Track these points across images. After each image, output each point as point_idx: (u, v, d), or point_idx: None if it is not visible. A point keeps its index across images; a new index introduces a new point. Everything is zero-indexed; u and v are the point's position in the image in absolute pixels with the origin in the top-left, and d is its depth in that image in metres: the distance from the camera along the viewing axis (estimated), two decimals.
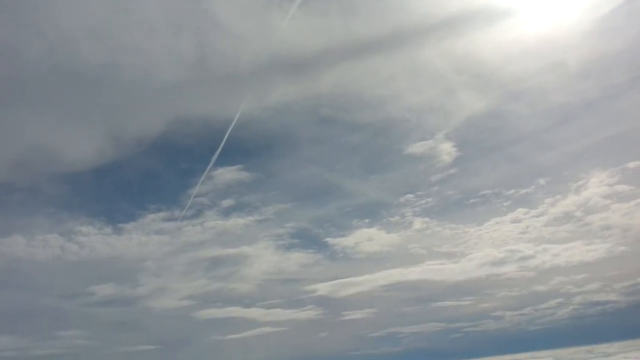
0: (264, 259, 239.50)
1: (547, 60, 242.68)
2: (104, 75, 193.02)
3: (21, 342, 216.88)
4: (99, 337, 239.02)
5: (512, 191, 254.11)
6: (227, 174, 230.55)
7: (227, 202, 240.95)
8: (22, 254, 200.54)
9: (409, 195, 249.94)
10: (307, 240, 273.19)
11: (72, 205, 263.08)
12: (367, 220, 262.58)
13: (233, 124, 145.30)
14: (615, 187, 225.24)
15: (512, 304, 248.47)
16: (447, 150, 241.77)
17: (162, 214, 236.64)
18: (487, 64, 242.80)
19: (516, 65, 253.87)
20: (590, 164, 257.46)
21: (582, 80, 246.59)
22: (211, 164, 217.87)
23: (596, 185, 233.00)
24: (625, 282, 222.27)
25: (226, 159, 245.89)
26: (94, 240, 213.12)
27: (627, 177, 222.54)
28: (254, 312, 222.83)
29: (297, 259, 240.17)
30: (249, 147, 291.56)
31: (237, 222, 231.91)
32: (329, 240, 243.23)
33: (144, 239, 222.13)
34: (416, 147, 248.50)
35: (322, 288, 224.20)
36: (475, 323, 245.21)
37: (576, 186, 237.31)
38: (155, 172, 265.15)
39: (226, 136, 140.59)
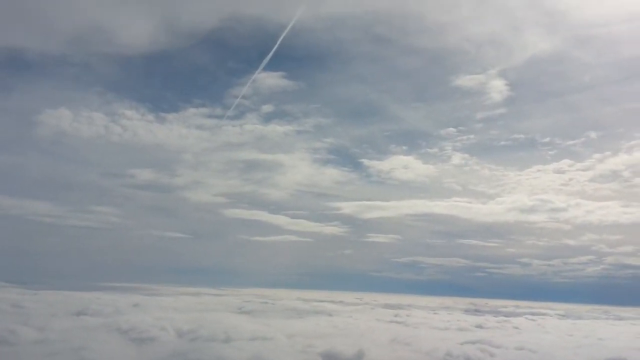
0: (299, 169, 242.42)
1: (626, 8, 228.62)
2: None
3: (58, 210, 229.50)
4: (133, 217, 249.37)
5: (560, 140, 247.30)
6: (272, 80, 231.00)
7: (268, 108, 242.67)
8: (68, 128, 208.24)
9: (451, 129, 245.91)
10: (343, 157, 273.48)
11: (119, 87, 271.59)
12: (404, 148, 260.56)
13: (287, 29, 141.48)
14: None
15: (540, 253, 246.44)
16: (498, 87, 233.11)
17: (204, 110, 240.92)
18: (561, 2, 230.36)
19: (592, 9, 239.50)
20: None
21: None
22: (261, 67, 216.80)
23: None
24: None
25: (273, 65, 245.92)
26: (137, 125, 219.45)
27: None
28: (281, 219, 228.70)
29: (331, 174, 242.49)
30: (298, 55, 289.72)
31: (275, 129, 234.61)
32: (365, 161, 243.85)
33: (184, 131, 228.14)
34: (466, 80, 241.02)
35: (351, 207, 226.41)
36: (500, 265, 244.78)
37: (628, 145, 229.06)
38: (202, 67, 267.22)
39: (279, 41, 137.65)
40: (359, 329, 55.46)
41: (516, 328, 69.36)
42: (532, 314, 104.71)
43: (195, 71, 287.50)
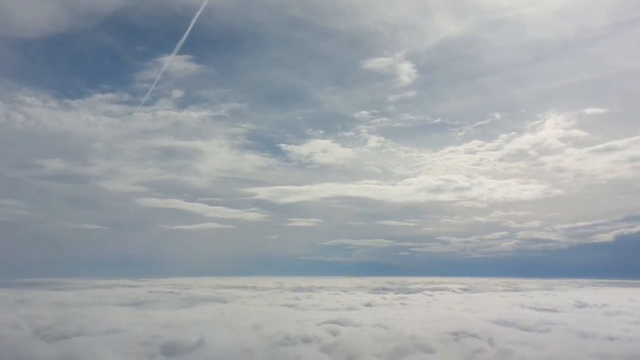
0: (218, 156, 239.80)
1: None
2: None
3: None
4: (44, 210, 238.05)
5: (468, 122, 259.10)
6: (181, 64, 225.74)
7: (180, 93, 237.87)
8: None
9: (364, 112, 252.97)
10: (262, 143, 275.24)
11: (17, 73, 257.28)
12: (322, 132, 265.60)
13: (199, 11, 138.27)
14: (571, 132, 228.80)
15: (457, 231, 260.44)
16: (406, 70, 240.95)
17: (111, 96, 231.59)
18: None
19: None
20: (548, 105, 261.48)
21: (562, 19, 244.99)
22: (174, 52, 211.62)
23: (551, 127, 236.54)
24: (566, 225, 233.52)
25: (184, 48, 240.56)
26: (40, 112, 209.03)
27: (582, 123, 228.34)
28: (200, 207, 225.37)
29: (252, 160, 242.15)
30: (210, 38, 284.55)
31: (190, 115, 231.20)
32: (283, 146, 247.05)
33: (92, 118, 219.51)
34: (376, 63, 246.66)
35: (271, 192, 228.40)
36: (421, 244, 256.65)
37: (532, 125, 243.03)
38: (107, 50, 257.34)
39: (192, 24, 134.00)
40: (237, 316, 55.23)
41: (404, 304, 71.42)
42: (434, 289, 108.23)
43: (99, 54, 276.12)
